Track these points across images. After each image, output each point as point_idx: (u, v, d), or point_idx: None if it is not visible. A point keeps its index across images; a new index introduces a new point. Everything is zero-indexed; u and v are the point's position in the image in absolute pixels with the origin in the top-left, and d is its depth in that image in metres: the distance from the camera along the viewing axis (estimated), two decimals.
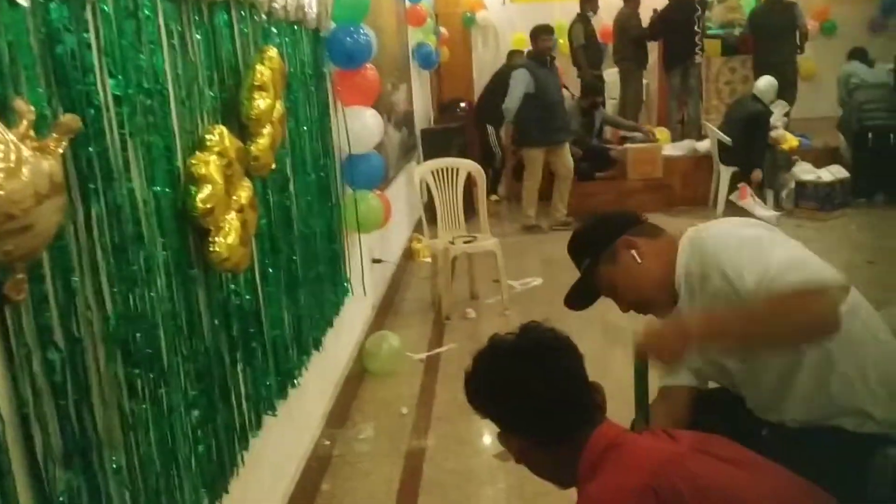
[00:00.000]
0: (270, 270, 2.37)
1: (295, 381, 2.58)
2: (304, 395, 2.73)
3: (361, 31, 3.46)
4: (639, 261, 1.79)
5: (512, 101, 6.61)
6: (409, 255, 6.17)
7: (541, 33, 6.88)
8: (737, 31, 8.53)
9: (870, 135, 7.05)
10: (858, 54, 7.55)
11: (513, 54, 9.03)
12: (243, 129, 2.10)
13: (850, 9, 9.97)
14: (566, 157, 6.89)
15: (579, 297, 1.91)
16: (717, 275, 1.61)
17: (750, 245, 1.61)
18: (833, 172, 6.76)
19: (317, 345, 2.92)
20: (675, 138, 8.29)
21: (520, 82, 6.59)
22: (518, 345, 1.39)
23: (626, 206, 7.37)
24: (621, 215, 1.99)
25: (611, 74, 9.17)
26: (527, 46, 9.93)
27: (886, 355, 1.67)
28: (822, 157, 7.23)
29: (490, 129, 8.50)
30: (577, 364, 1.40)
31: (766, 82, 6.88)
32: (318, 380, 3.04)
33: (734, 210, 6.86)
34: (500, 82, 8.76)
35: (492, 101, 8.62)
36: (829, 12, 9.92)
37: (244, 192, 1.97)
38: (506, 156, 8.50)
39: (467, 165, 5.00)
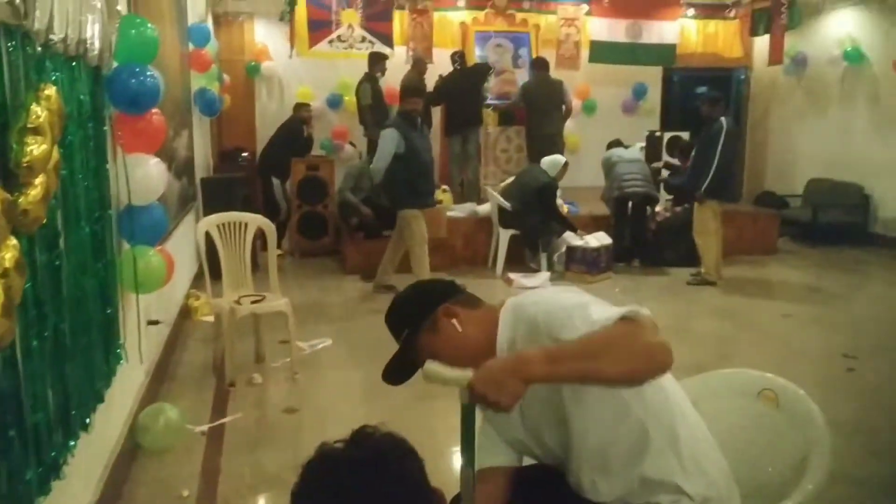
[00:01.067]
0: (35, 343, 2.02)
1: (60, 472, 2.19)
2: (69, 485, 2.34)
3: (149, 72, 3.17)
4: (460, 329, 1.74)
5: (380, 161, 6.19)
6: (185, 313, 5.73)
7: (408, 94, 6.63)
8: (511, 103, 9.10)
9: (630, 203, 7.79)
10: (616, 143, 8.38)
11: (299, 107, 8.93)
12: (10, 178, 1.78)
13: (607, 90, 11.07)
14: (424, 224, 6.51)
15: (399, 371, 1.81)
16: (548, 341, 1.59)
17: (575, 308, 1.61)
18: (599, 238, 7.34)
19: (85, 425, 2.53)
20: (457, 200, 8.59)
21: (389, 142, 6.16)
22: (353, 455, 1.22)
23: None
24: (440, 284, 1.92)
25: None
26: (312, 99, 9.98)
27: (693, 430, 1.74)
28: (590, 224, 7.84)
29: (275, 181, 8.27)
30: (419, 470, 1.27)
31: (552, 160, 7.44)
32: (86, 463, 2.63)
33: (512, 270, 7.23)
34: (286, 134, 8.62)
35: (278, 152, 8.44)
36: (590, 92, 10.94)
37: (9, 254, 1.66)
38: (291, 209, 8.30)
39: (256, 220, 4.75)
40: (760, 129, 11.43)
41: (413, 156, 6.19)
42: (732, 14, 10.53)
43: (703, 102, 7.08)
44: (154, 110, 3.29)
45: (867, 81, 9.41)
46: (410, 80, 8.97)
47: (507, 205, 7.20)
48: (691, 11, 10.66)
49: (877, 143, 9.18)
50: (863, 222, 9.23)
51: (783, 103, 10.92)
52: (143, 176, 3.23)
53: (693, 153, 7.26)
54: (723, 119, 6.86)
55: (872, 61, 9.29)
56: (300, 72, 10.21)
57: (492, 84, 9.30)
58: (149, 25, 3.27)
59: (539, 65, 8.93)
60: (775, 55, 9.96)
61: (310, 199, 8.26)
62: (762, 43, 10.39)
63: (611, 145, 8.34)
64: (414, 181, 6.26)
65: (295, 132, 8.58)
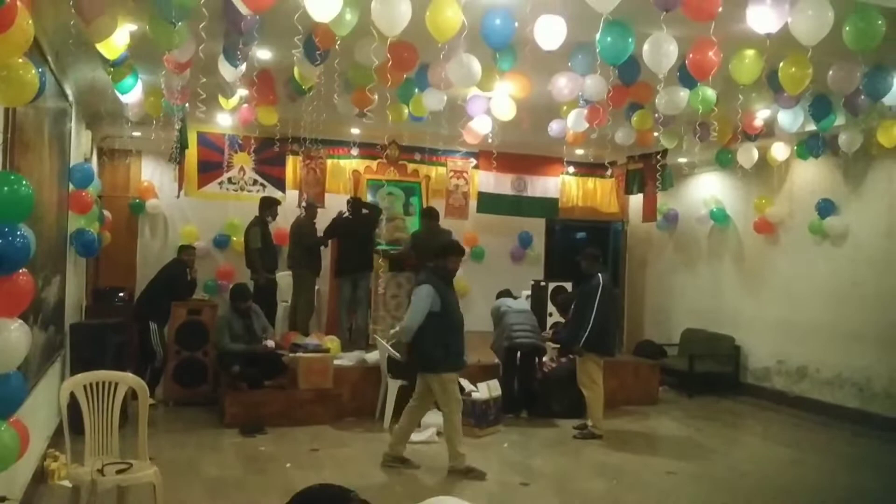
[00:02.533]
0: None
1: None
2: None
3: (19, 231, 2.98)
4: None
5: (414, 320, 5.78)
6: (41, 476, 5.19)
7: (453, 252, 6.14)
8: (401, 251, 9.20)
9: (518, 353, 7.86)
10: (506, 293, 8.55)
11: (182, 249, 8.69)
12: None
13: (495, 239, 11.45)
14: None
15: None
16: None
17: None
18: (491, 388, 7.30)
19: None
20: (345, 345, 8.43)
21: (424, 298, 5.79)
22: None
23: (297, 417, 7.18)
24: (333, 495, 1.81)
25: (284, 277, 9.21)
26: (197, 239, 9.77)
27: None
28: (479, 374, 7.81)
29: (153, 326, 7.86)
30: None
31: None
32: None
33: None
34: (167, 277, 8.31)
35: (157, 296, 8.10)
36: (478, 240, 11.27)
37: None
38: (167, 355, 7.88)
39: (128, 380, 4.43)
40: (638, 278, 12.02)
41: (448, 314, 5.86)
42: (609, 173, 11.27)
43: (583, 258, 7.38)
44: (22, 270, 3.06)
45: (732, 240, 10.16)
46: (301, 224, 8.97)
47: (396, 354, 7.10)
48: (571, 169, 11.35)
49: (744, 298, 9.80)
50: (734, 372, 9.68)
51: (658, 255, 11.59)
52: (2, 344, 2.96)
53: (572, 307, 7.50)
54: (600, 275, 7.16)
55: (735, 221, 10.08)
56: (187, 211, 10.04)
57: (383, 230, 9.41)
58: (24, 182, 3.10)
59: (429, 214, 9.15)
60: (648, 213, 10.67)
61: (189, 344, 7.90)
62: (638, 199, 11.11)
63: (500, 295, 8.49)
64: (449, 340, 5.87)
65: (177, 275, 8.28)
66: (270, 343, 7.54)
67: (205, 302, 8.57)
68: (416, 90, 6.15)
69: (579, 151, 10.77)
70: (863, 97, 5.74)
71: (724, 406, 8.98)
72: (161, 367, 7.87)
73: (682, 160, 10.19)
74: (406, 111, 6.57)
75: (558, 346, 8.29)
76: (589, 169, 11.40)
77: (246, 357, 7.32)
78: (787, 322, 9.13)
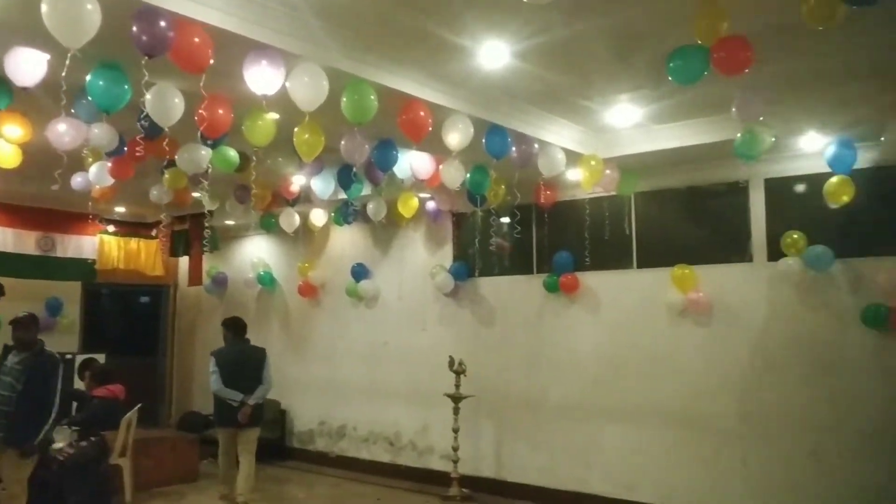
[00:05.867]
0: None
1: None
2: None
3: None
4: None
5: None
6: None
7: None
8: None
9: None
10: None
11: None
12: None
13: (19, 306, 9.78)
14: None
15: None
16: None
17: None
18: None
19: None
20: None
21: None
22: None
23: None
24: None
25: None
26: None
27: None
28: None
29: None
30: None
31: None
32: None
33: None
34: None
35: None
36: None
37: None
38: None
39: None
40: (188, 344, 11.38)
41: None
42: (154, 233, 10.55)
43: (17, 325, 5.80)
44: None
45: (279, 303, 10.19)
46: None
47: None
48: (111, 228, 10.36)
49: (291, 361, 9.83)
50: (281, 437, 9.60)
51: (208, 320, 11.11)
52: None
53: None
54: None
55: (282, 284, 10.15)
56: None
57: None
58: None
59: None
60: (195, 276, 10.22)
61: None
62: (186, 261, 10.57)
63: None
64: None
65: None
66: None
67: None
68: None
69: (119, 209, 9.93)
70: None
71: (269, 474, 8.75)
72: None
73: (230, 222, 9.99)
74: None
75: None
76: (132, 228, 10.54)
77: None
78: (329, 383, 9.38)
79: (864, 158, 5.78)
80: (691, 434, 6.62)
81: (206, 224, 9.35)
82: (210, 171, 5.69)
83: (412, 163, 6.15)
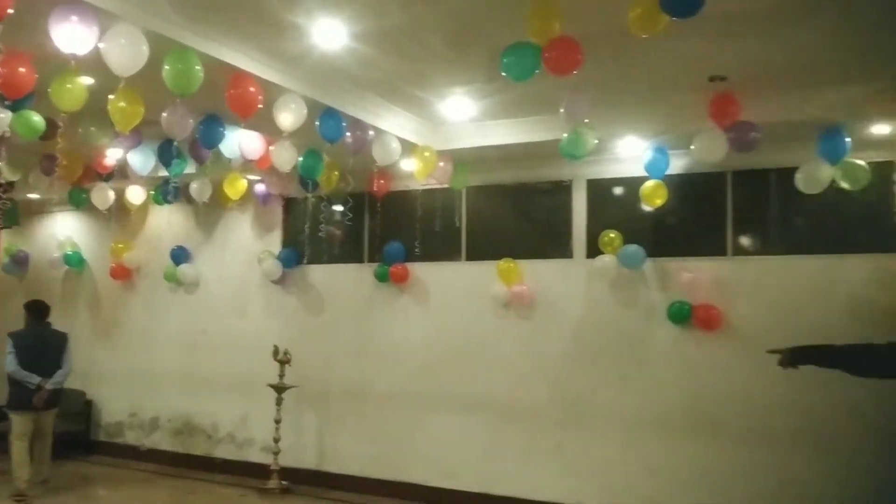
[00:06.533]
0: None
1: None
2: None
3: None
4: None
5: None
6: None
7: None
8: None
9: None
10: None
11: None
12: None
13: None
14: None
15: None
16: None
17: None
18: None
19: None
20: None
21: None
22: None
23: None
24: None
25: None
26: None
27: None
28: None
29: None
30: None
31: None
32: None
33: None
34: None
35: None
36: None
37: None
38: None
39: None
40: None
41: None
42: None
43: None
44: None
45: (88, 285, 9.43)
46: None
47: None
48: None
49: (99, 348, 9.14)
50: (86, 430, 8.91)
51: (5, 303, 10.06)
52: None
53: None
54: None
55: (92, 266, 9.40)
56: None
57: None
58: None
59: None
60: None
61: None
62: None
63: None
64: None
65: None
66: None
67: None
68: None
69: None
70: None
71: (70, 470, 8.07)
72: None
73: (34, 196, 9.09)
74: None
75: None
76: None
77: None
78: (142, 372, 8.81)
79: (676, 165, 6.21)
80: (511, 421, 6.83)
81: (4, 196, 8.45)
82: (9, 136, 5.14)
83: (241, 142, 5.86)
